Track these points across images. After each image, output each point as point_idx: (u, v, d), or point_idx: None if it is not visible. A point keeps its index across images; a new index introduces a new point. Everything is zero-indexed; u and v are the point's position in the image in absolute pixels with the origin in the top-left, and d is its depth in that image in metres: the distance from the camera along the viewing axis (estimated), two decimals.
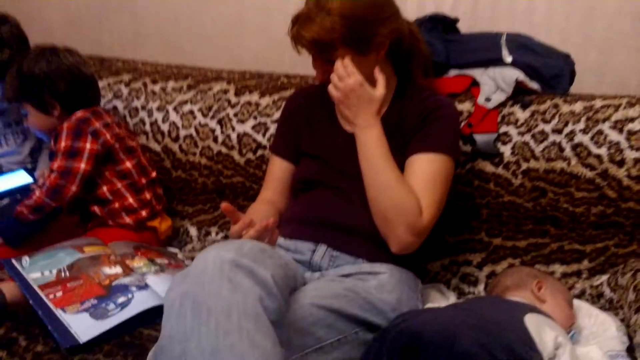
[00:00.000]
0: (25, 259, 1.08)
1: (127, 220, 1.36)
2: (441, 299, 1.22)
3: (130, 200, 1.37)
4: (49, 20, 2.10)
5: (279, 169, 1.26)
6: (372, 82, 1.09)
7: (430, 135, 1.12)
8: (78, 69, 1.39)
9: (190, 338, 0.73)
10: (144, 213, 1.39)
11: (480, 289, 1.27)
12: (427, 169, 1.09)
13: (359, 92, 1.05)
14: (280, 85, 1.48)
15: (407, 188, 1.05)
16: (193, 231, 1.54)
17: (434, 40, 1.34)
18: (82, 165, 1.29)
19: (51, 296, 0.99)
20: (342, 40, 1.04)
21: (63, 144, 1.30)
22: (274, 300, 0.79)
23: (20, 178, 1.46)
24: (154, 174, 1.47)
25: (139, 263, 1.16)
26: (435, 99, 1.17)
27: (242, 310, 0.74)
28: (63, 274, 1.05)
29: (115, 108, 1.60)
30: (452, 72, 1.35)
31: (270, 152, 1.31)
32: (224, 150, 1.49)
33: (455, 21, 1.41)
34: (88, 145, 1.31)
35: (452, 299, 1.23)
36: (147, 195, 1.41)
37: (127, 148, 1.40)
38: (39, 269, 1.06)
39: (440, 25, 1.39)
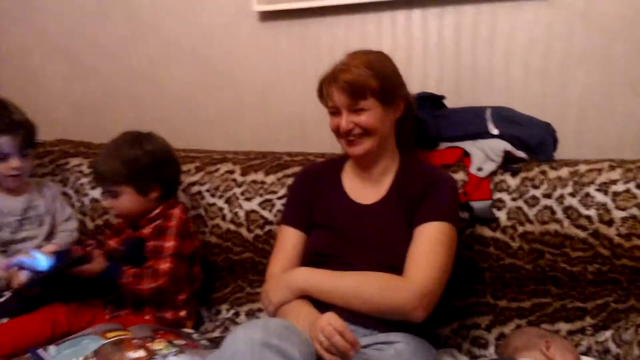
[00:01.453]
0: (52, 348, 1.10)
1: (167, 315, 1.38)
2: None
3: (181, 297, 1.40)
4: (54, 108, 2.20)
5: (292, 239, 1.29)
6: (386, 141, 1.23)
7: (432, 206, 1.20)
8: (173, 155, 1.47)
9: None
10: (182, 313, 1.41)
11: (491, 351, 1.31)
12: (428, 236, 1.16)
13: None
14: (284, 164, 1.57)
15: (372, 277, 1.13)
16: (203, 312, 1.56)
17: (425, 116, 1.46)
18: (182, 268, 1.36)
19: None
20: (373, 89, 1.17)
21: (172, 243, 1.34)
22: None
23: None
24: (201, 276, 1.51)
25: (159, 346, 1.17)
26: (435, 172, 1.27)
27: None
28: None
29: None
30: (443, 145, 1.45)
31: (282, 224, 1.33)
32: (232, 227, 1.55)
33: (441, 98, 1.54)
34: (188, 248, 1.38)
35: None
36: (190, 298, 1.45)
37: (199, 252, 1.46)
38: (66, 358, 1.07)
39: (429, 102, 1.51)
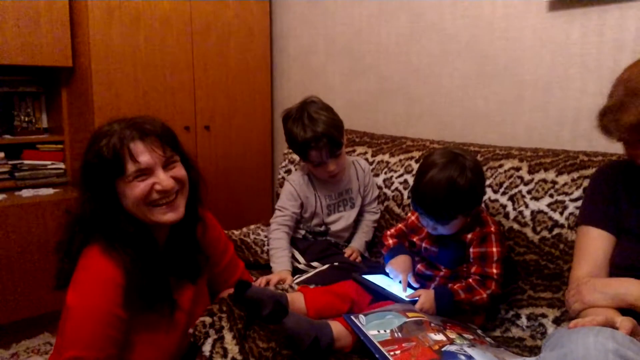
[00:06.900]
0: (362, 317, 1.21)
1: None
2: None
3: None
4: (332, 103, 2.43)
5: (598, 241, 1.18)
6: None
7: None
8: None
9: None
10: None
11: None
12: None
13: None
14: (580, 164, 1.45)
15: None
16: None
17: None
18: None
19: (391, 353, 1.07)
20: None
21: (497, 249, 1.37)
22: None
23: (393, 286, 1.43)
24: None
25: (452, 335, 1.20)
26: None
27: None
28: (396, 334, 1.14)
29: (406, 182, 1.76)
30: None
31: (583, 224, 1.24)
32: (515, 226, 1.49)
33: None
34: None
35: None
36: None
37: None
38: (374, 327, 1.17)
39: None
